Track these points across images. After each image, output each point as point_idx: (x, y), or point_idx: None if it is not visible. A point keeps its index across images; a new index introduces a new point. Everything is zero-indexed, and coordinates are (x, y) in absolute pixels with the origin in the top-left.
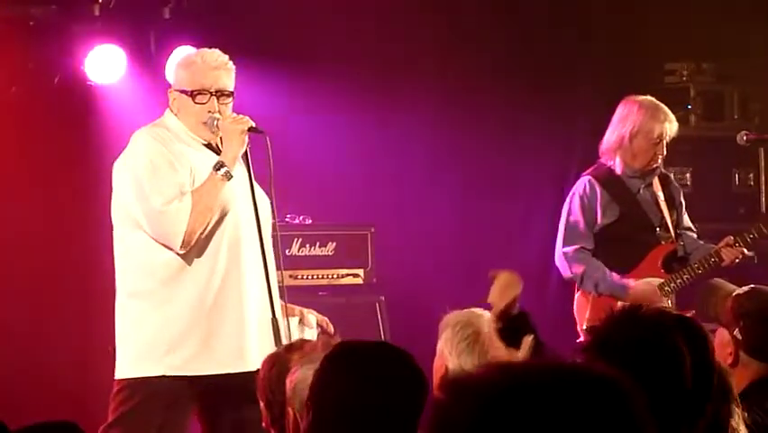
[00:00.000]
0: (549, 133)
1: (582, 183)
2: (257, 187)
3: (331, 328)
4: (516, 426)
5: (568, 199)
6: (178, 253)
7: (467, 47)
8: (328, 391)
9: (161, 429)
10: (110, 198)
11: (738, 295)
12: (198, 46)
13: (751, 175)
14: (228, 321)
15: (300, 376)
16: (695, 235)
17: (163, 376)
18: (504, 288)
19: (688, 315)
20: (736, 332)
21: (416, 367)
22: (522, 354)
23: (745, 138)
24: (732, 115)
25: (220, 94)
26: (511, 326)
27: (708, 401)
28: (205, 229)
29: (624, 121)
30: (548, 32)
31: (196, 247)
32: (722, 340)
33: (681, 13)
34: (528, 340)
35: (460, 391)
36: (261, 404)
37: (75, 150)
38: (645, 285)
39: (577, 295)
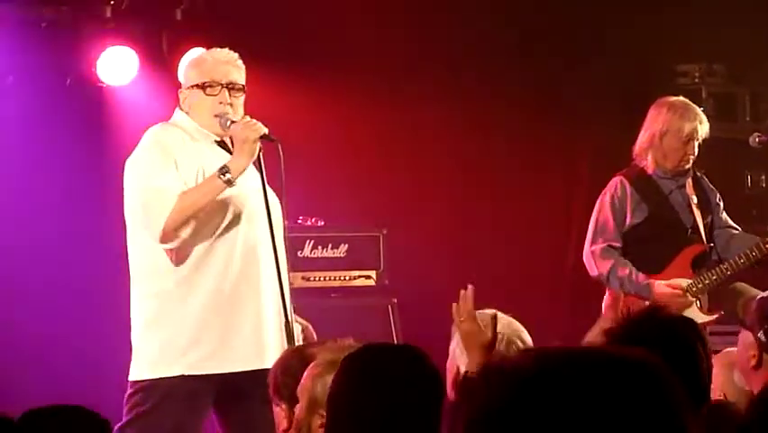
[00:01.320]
0: (561, 135)
1: (614, 183)
2: (269, 190)
3: (312, 333)
4: (549, 408)
5: (599, 199)
6: (193, 252)
7: (478, 49)
8: (347, 393)
9: (177, 429)
10: (122, 199)
11: (763, 298)
12: (211, 48)
13: (763, 177)
14: (245, 318)
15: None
16: (736, 231)
17: (181, 376)
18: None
19: (716, 315)
20: (761, 334)
21: (433, 368)
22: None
23: (757, 140)
24: (744, 116)
25: (231, 87)
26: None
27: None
28: (190, 228)
29: (655, 120)
30: (559, 34)
31: (211, 246)
32: (745, 342)
33: (692, 14)
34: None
35: (494, 376)
36: (282, 405)
37: (87, 151)
38: (671, 286)
39: (606, 294)
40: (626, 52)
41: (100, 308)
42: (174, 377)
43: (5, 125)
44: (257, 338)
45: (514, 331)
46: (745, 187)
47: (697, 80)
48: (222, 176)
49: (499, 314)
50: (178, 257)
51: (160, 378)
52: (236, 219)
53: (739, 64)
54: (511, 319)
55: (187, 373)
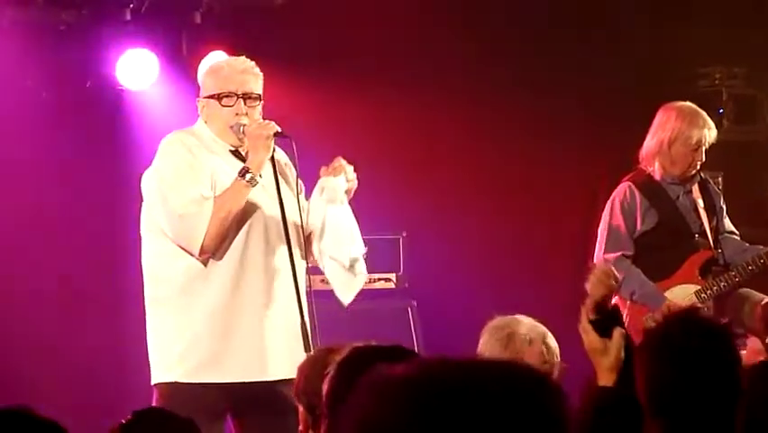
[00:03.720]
0: (581, 138)
1: (623, 189)
2: (286, 190)
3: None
4: (434, 420)
5: (609, 205)
6: (198, 260)
7: (497, 52)
8: (342, 397)
9: None
10: (140, 203)
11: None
12: (229, 50)
13: None
14: (244, 329)
15: None
16: (738, 238)
17: (177, 382)
18: (600, 279)
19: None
20: None
21: None
22: (613, 344)
23: None
24: (764, 119)
25: (247, 97)
26: (604, 318)
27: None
28: (227, 235)
29: (663, 127)
30: (579, 36)
31: (215, 254)
32: (754, 348)
33: (713, 17)
34: (619, 332)
35: (378, 386)
36: (300, 408)
37: (106, 154)
38: (681, 294)
39: (614, 300)
40: (647, 54)
41: (117, 309)
42: (172, 383)
43: (25, 129)
44: (259, 350)
45: (539, 333)
46: (764, 189)
47: (717, 83)
48: (243, 177)
49: (524, 317)
50: (183, 265)
51: (169, 383)
52: (244, 228)
53: (760, 67)
54: (536, 322)
55: (180, 381)
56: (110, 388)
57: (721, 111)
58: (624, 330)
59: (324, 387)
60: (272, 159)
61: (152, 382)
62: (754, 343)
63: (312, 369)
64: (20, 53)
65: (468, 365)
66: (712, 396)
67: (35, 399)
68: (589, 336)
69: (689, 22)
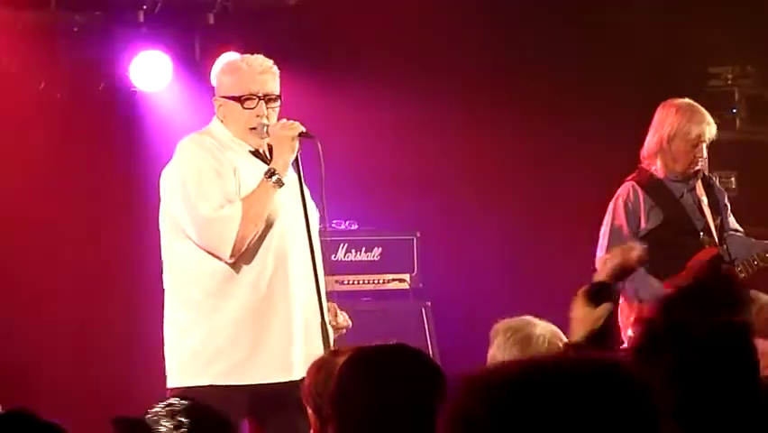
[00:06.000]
0: (592, 139)
1: (626, 189)
2: (306, 191)
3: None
4: (529, 418)
5: (611, 205)
6: (226, 263)
7: (511, 50)
8: (349, 397)
9: None
10: (156, 206)
11: None
12: (243, 51)
13: None
14: (274, 330)
15: None
16: (743, 235)
17: (210, 386)
18: (620, 252)
19: None
20: None
21: (432, 365)
22: (595, 312)
23: None
24: None
25: (268, 98)
26: (598, 290)
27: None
28: (254, 237)
29: (662, 124)
30: (591, 36)
31: (242, 256)
32: (760, 351)
33: (725, 15)
34: (606, 306)
35: (475, 388)
36: (309, 410)
37: (120, 156)
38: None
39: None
40: (658, 54)
41: (132, 312)
42: (203, 387)
43: (39, 131)
44: (285, 350)
45: (554, 334)
46: None
47: (729, 82)
48: (270, 178)
49: (533, 318)
50: (210, 268)
51: (191, 387)
52: (269, 229)
53: None
54: (546, 322)
55: (215, 384)
56: (120, 391)
57: (734, 110)
58: (611, 306)
59: (331, 388)
60: (296, 159)
61: (172, 385)
62: (761, 345)
63: (318, 372)
64: (34, 55)
65: (559, 364)
66: (728, 388)
67: (42, 399)
68: (576, 303)
69: (700, 21)
